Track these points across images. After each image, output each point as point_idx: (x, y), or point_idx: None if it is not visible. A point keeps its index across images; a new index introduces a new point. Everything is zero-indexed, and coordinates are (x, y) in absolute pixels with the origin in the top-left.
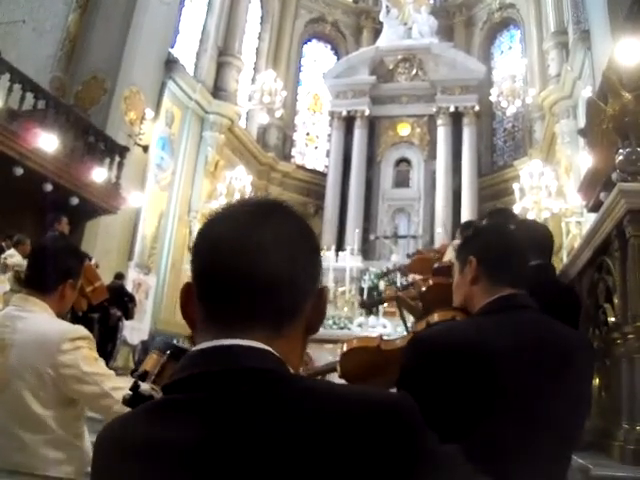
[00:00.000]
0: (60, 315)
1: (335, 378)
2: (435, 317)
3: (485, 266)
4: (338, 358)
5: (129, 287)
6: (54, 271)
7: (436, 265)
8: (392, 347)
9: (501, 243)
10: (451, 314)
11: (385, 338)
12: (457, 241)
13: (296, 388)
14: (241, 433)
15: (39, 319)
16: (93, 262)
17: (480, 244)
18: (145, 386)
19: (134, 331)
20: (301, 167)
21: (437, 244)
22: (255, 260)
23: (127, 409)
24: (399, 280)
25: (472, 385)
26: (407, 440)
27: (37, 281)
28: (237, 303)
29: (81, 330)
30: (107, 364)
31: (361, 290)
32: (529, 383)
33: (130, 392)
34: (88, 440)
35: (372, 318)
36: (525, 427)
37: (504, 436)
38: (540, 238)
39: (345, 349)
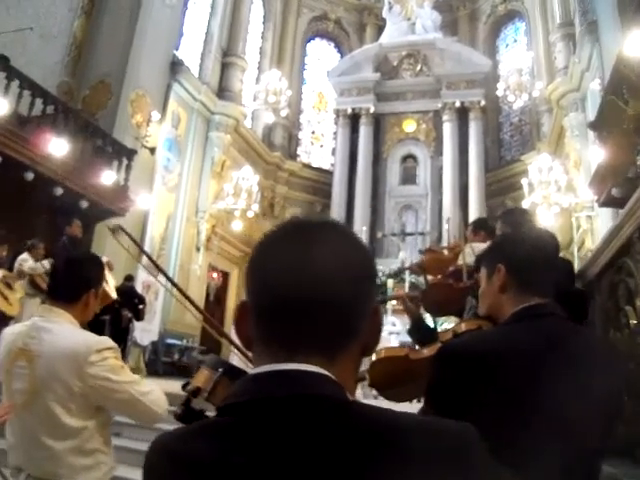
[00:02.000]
0: (83, 324)
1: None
2: (462, 327)
3: (514, 275)
4: (367, 367)
5: (138, 288)
6: (78, 281)
7: (451, 268)
8: (420, 356)
9: (531, 252)
10: (477, 323)
11: (410, 347)
12: (476, 244)
13: (360, 415)
14: (307, 460)
15: (65, 330)
16: (105, 260)
17: (509, 252)
18: (197, 402)
19: (144, 332)
20: (307, 166)
21: (445, 241)
22: (316, 282)
23: (154, 406)
24: (407, 278)
25: (499, 394)
26: (470, 473)
27: (61, 291)
28: (297, 325)
29: (107, 341)
30: None
31: None
32: (554, 391)
33: (182, 407)
34: (112, 448)
35: None
36: (551, 436)
37: (531, 446)
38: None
39: (374, 359)
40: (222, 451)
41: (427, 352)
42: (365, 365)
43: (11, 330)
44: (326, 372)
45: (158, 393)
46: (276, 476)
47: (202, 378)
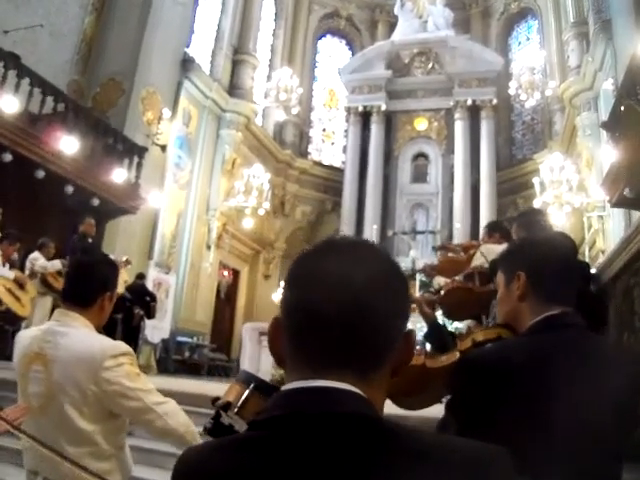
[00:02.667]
0: (98, 327)
1: None
2: (480, 335)
3: (535, 283)
4: None
5: (149, 286)
6: (93, 285)
7: (467, 271)
8: (437, 365)
9: (552, 259)
10: (497, 332)
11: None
12: (490, 246)
13: (390, 433)
14: (332, 475)
15: (80, 335)
16: (124, 258)
17: (529, 259)
18: (226, 417)
19: (155, 330)
20: (318, 163)
21: (456, 239)
22: (351, 301)
23: (168, 419)
24: (418, 277)
25: (520, 406)
26: None
27: (77, 295)
28: (329, 343)
29: (123, 346)
30: None
31: None
32: (575, 404)
33: (212, 421)
34: (129, 451)
35: None
36: (573, 446)
37: (552, 457)
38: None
39: None
40: (240, 462)
41: (445, 360)
42: None
43: (26, 334)
44: (357, 390)
45: (174, 406)
46: None
47: (233, 392)
